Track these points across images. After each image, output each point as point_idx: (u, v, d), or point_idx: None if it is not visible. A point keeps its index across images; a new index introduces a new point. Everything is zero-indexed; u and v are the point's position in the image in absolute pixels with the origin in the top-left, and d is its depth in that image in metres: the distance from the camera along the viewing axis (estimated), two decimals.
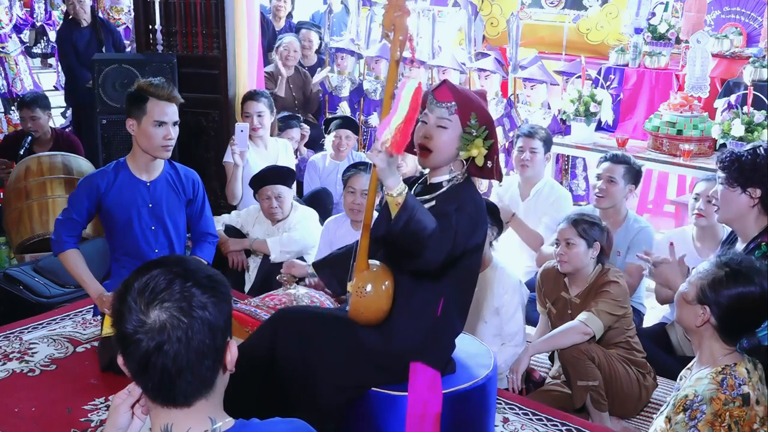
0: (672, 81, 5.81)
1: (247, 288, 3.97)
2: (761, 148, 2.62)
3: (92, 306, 3.29)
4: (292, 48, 5.96)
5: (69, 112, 7.47)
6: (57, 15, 9.51)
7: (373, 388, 2.24)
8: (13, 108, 7.48)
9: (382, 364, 2.23)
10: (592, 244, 3.09)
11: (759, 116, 4.41)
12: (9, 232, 4.28)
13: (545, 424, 2.79)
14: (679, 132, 4.66)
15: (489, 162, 2.20)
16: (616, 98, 5.89)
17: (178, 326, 1.26)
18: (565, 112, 5.10)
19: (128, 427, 1.44)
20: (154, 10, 5.08)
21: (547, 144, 4.17)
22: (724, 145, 4.46)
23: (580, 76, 5.29)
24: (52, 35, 9.29)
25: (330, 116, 5.43)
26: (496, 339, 3.23)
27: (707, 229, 3.46)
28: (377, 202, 2.29)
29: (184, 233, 3.27)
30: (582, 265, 3.11)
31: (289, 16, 7.50)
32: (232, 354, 1.35)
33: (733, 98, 4.89)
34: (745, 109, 4.51)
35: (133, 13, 6.01)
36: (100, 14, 7.67)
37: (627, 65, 6.12)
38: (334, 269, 2.43)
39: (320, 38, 6.70)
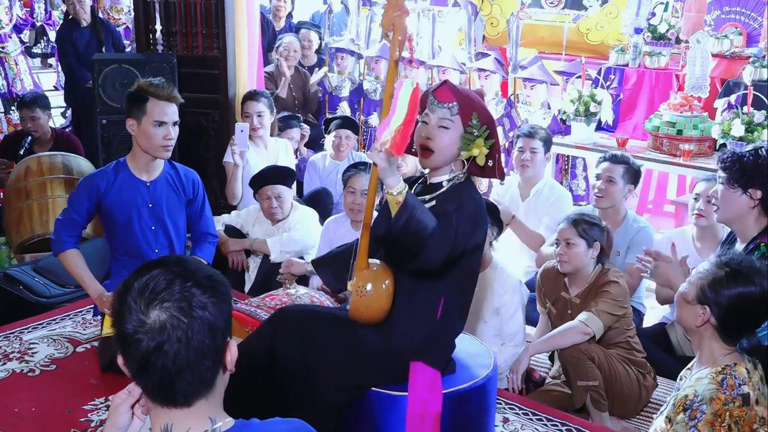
0: (672, 81, 5.81)
1: (247, 288, 3.98)
2: (763, 149, 2.61)
3: (92, 306, 3.29)
4: (292, 48, 5.97)
5: (69, 112, 7.47)
6: (57, 15, 9.51)
7: (373, 388, 2.24)
8: (13, 108, 7.48)
9: (382, 363, 2.23)
10: (592, 244, 3.09)
11: (759, 116, 4.40)
12: (9, 232, 4.28)
13: (545, 424, 2.79)
14: (679, 132, 4.66)
15: (490, 161, 2.21)
16: (616, 98, 5.88)
17: (178, 326, 1.26)
18: (565, 112, 5.10)
19: (128, 427, 1.44)
20: (154, 10, 5.08)
21: (547, 144, 4.18)
22: (724, 145, 4.46)
23: (580, 76, 5.29)
24: (52, 35, 9.29)
25: (330, 116, 5.43)
26: (496, 339, 3.23)
27: (707, 230, 3.46)
28: (377, 201, 2.29)
29: (184, 233, 3.27)
30: (582, 265, 3.12)
31: (289, 16, 7.50)
32: (232, 354, 1.35)
33: (733, 98, 4.89)
34: (745, 109, 4.51)
35: (133, 13, 6.01)
36: (100, 14, 7.68)
37: (627, 65, 6.11)
38: (333, 267, 2.44)
39: (320, 38, 6.70)
